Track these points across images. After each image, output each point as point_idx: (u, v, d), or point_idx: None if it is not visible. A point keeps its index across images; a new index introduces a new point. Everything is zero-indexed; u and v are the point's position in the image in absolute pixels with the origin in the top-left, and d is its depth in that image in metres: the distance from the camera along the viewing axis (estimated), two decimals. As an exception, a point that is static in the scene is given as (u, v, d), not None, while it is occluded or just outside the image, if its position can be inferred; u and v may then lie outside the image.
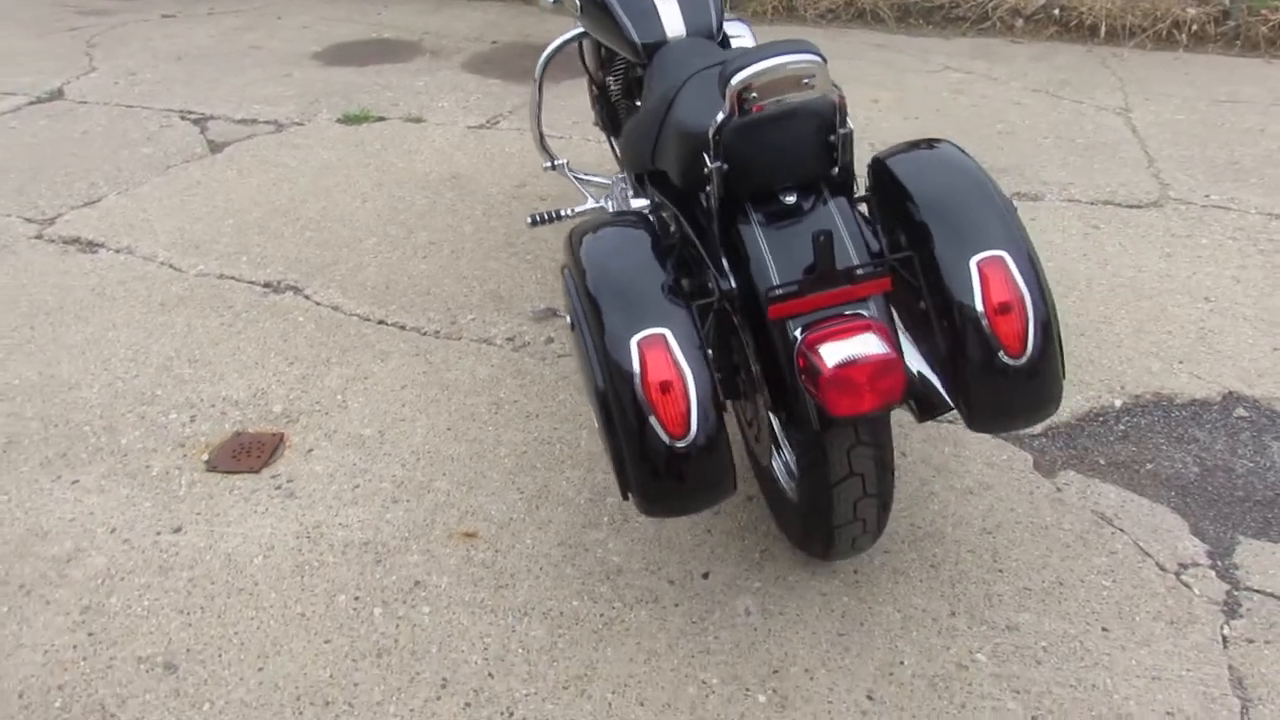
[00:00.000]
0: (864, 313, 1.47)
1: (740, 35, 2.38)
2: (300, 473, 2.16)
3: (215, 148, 3.81)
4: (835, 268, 1.45)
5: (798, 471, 1.66)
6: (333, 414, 2.33)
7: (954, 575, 1.88)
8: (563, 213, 2.43)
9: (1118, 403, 2.36)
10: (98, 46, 5.12)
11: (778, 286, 1.45)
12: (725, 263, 1.57)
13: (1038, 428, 2.28)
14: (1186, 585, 1.86)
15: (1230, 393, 2.36)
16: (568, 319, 1.56)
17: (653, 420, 1.40)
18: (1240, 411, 2.29)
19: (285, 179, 3.52)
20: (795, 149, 1.52)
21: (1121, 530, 1.98)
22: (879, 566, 1.90)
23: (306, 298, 2.80)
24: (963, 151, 1.70)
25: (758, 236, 1.52)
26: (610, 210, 2.45)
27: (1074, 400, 2.35)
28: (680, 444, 1.40)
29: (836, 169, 1.56)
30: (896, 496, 2.06)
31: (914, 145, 1.73)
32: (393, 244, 3.06)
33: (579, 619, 1.80)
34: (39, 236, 3.16)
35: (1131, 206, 3.21)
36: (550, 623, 1.79)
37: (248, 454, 2.21)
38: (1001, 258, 1.50)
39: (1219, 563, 1.92)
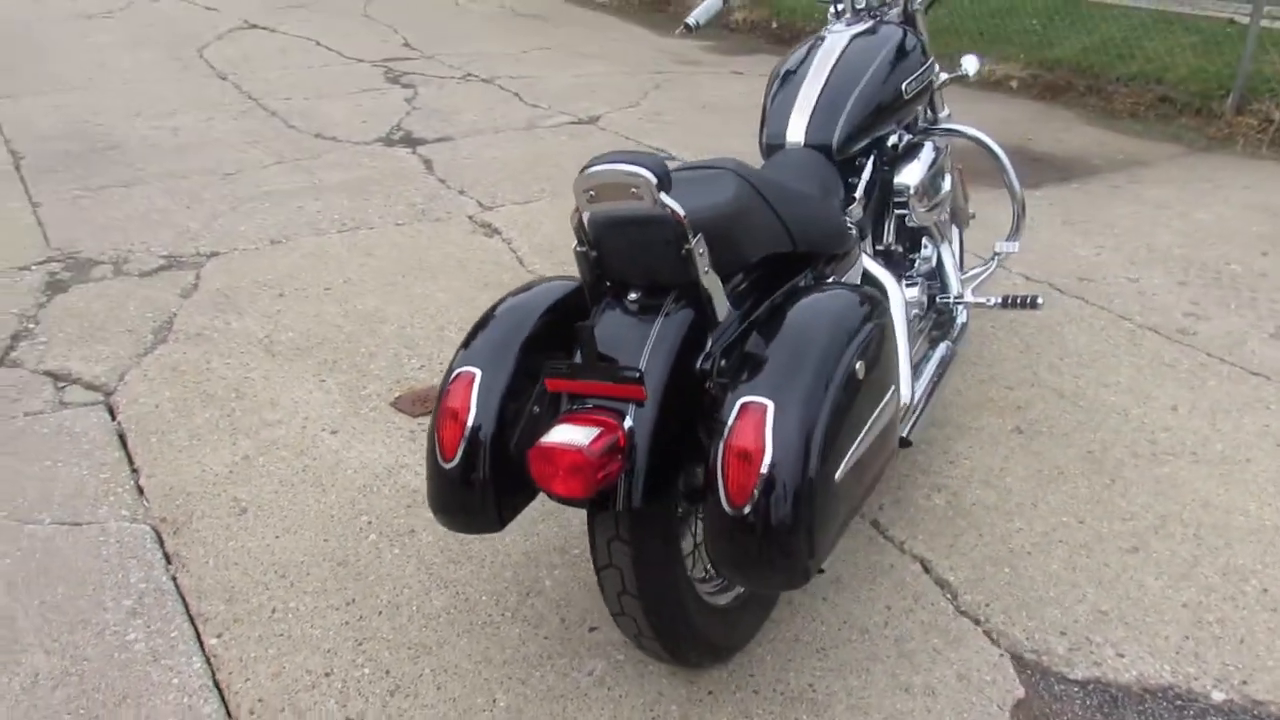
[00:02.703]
0: (624, 412, 1.52)
1: (921, 152, 2.31)
2: (434, 428, 2.69)
3: (646, 181, 4.50)
4: (594, 361, 1.53)
5: None
6: (498, 397, 2.82)
7: (790, 744, 1.74)
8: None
9: (1218, 696, 1.83)
10: (660, 88, 6.19)
11: (557, 363, 1.58)
12: None
13: (1078, 672, 1.89)
14: None
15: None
16: None
17: (436, 439, 1.64)
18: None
19: (664, 217, 4.06)
20: (639, 253, 1.61)
21: (1029, 809, 1.63)
22: (736, 700, 1.83)
23: (576, 309, 3.31)
24: (863, 305, 1.60)
25: (595, 320, 1.65)
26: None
27: (1158, 668, 1.90)
28: (445, 466, 1.63)
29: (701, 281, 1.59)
30: (828, 653, 1.93)
31: (827, 287, 1.67)
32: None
33: (472, 609, 2.06)
34: (471, 217, 4.14)
35: None
36: (451, 602, 2.08)
37: (423, 403, 2.80)
38: (764, 406, 1.44)
39: None
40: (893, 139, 2.40)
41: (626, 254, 1.63)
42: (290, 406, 2.81)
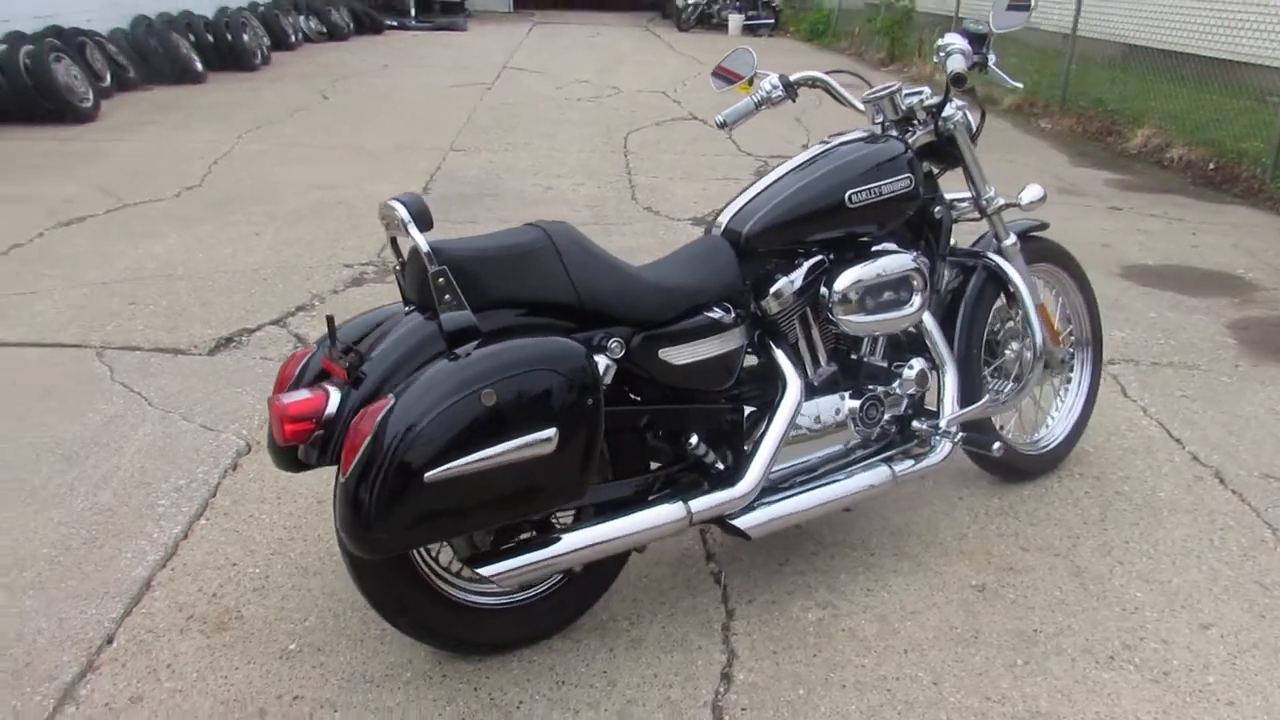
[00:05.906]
0: (345, 386, 1.87)
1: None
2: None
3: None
4: (334, 346, 1.89)
5: None
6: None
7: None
8: None
9: None
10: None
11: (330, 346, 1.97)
12: None
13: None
14: None
15: None
16: None
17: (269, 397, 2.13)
18: None
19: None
20: (414, 276, 1.94)
21: None
22: (451, 686, 2.06)
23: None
24: (541, 356, 1.79)
25: (388, 325, 2.00)
26: None
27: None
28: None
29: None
30: (563, 687, 2.08)
31: (547, 337, 1.86)
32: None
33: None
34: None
35: None
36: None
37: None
38: (388, 401, 1.72)
39: None
40: (879, 247, 2.38)
41: (408, 275, 1.99)
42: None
